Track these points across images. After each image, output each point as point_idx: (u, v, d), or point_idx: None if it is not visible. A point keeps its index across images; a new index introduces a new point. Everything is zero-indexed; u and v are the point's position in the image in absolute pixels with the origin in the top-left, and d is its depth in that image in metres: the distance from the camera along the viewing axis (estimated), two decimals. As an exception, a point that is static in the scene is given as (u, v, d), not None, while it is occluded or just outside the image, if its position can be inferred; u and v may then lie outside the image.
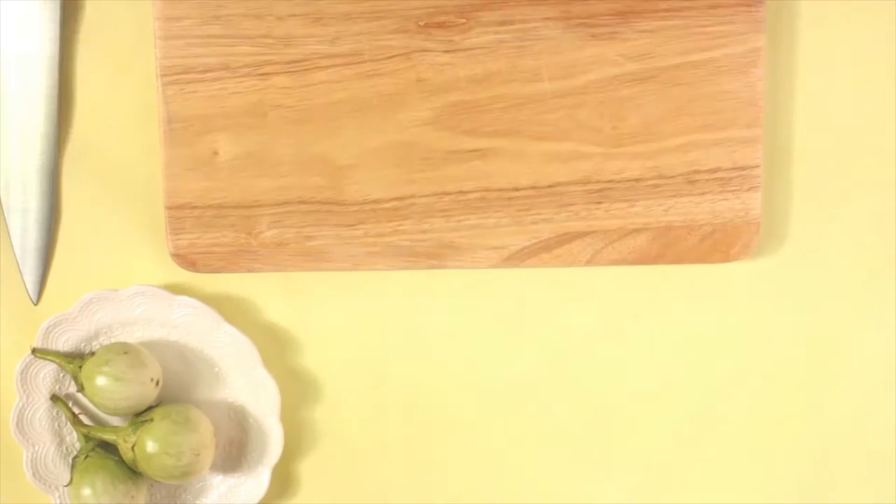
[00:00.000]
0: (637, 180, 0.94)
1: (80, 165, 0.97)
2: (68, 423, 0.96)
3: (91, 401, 0.95)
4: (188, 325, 0.96)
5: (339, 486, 1.00)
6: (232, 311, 0.97)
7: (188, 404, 0.96)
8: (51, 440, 0.97)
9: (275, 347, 0.98)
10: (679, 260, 0.95)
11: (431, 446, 1.00)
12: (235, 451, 0.98)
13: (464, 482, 1.00)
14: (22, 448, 0.96)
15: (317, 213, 0.95)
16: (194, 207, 0.95)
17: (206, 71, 0.93)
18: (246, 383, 0.97)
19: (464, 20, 0.93)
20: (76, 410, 0.97)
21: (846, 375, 0.99)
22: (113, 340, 0.96)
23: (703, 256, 0.95)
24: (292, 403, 0.99)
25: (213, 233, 0.95)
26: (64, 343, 0.96)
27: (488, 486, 1.00)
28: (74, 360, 0.95)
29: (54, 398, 0.96)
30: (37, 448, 0.97)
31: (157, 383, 0.94)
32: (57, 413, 0.97)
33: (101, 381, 0.93)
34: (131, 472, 0.95)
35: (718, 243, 0.94)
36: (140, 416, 0.94)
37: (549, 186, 0.94)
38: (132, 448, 0.93)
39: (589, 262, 0.95)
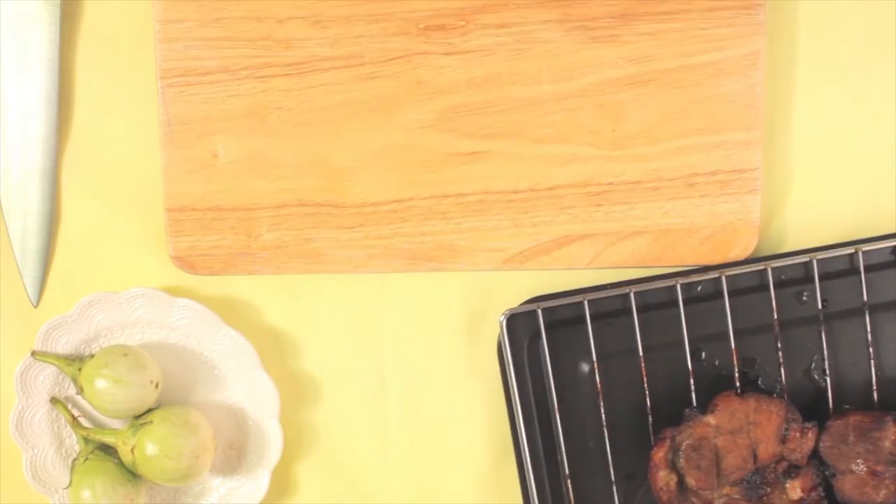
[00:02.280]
0: (636, 183, 0.94)
1: (80, 168, 0.97)
2: (68, 426, 0.96)
3: (91, 403, 0.95)
4: (188, 327, 0.96)
5: (339, 488, 1.00)
6: (232, 313, 0.97)
7: (188, 407, 0.96)
8: (50, 442, 0.97)
9: (274, 350, 0.98)
10: (679, 262, 0.95)
11: (430, 448, 1.00)
12: (235, 453, 0.98)
13: (463, 483, 1.00)
14: (21, 450, 0.96)
15: (316, 215, 0.95)
16: (194, 210, 0.95)
17: (206, 73, 0.94)
18: (245, 386, 0.97)
19: (463, 23, 0.93)
20: (76, 413, 0.96)
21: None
22: (112, 343, 0.96)
23: (703, 258, 0.95)
24: (292, 406, 0.99)
25: (212, 235, 0.95)
26: (64, 345, 0.96)
27: (488, 487, 1.00)
28: (74, 362, 0.95)
29: (54, 400, 0.96)
30: (36, 450, 0.97)
31: (157, 386, 0.94)
32: (56, 415, 0.97)
33: (100, 383, 0.93)
34: (131, 474, 0.95)
35: (718, 245, 0.95)
36: (139, 418, 0.94)
37: (549, 189, 0.95)
38: (132, 450, 0.93)
39: (589, 265, 0.95)
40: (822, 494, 0.93)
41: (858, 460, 0.91)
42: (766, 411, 0.91)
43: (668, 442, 0.92)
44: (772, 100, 0.95)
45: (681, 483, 0.93)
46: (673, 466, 0.93)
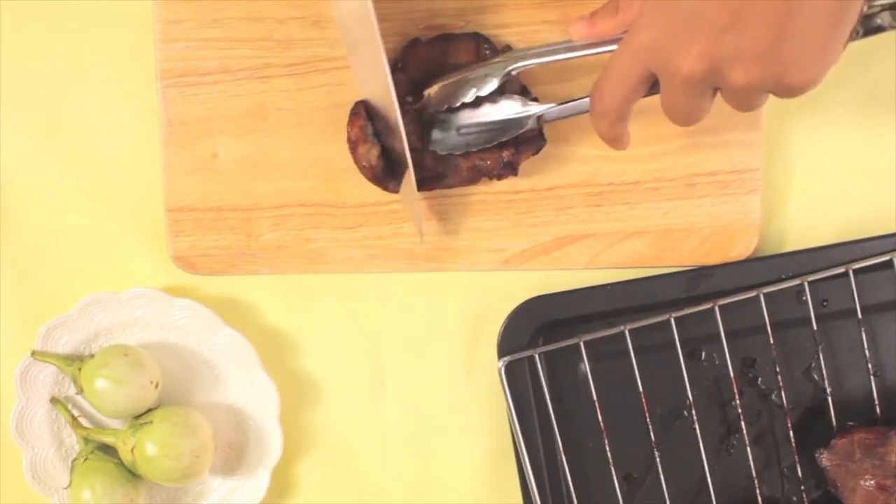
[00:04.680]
0: (636, 183, 0.94)
1: (80, 168, 0.97)
2: (68, 426, 0.96)
3: (90, 403, 0.95)
4: (188, 327, 0.96)
5: (339, 488, 1.00)
6: (232, 313, 0.97)
7: (188, 406, 0.96)
8: (50, 442, 0.97)
9: (274, 350, 0.98)
10: (678, 262, 0.95)
11: (430, 448, 1.00)
12: (235, 453, 0.98)
13: (463, 483, 1.00)
14: (21, 450, 0.96)
15: (316, 215, 0.95)
16: (194, 210, 0.95)
17: (207, 74, 0.94)
18: (245, 385, 0.97)
19: (464, 23, 0.93)
20: (76, 413, 0.96)
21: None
22: (112, 343, 0.96)
23: (703, 259, 0.95)
24: (292, 406, 0.99)
25: (213, 235, 0.95)
26: (63, 345, 0.96)
27: (488, 487, 1.00)
28: (74, 362, 0.95)
29: (54, 400, 0.96)
30: (36, 450, 0.96)
31: (157, 385, 0.94)
32: (56, 415, 0.97)
33: (100, 383, 0.93)
34: (131, 474, 0.95)
35: (718, 246, 0.95)
36: (139, 418, 0.94)
37: (549, 189, 0.95)
38: (132, 450, 0.93)
39: (588, 265, 0.95)
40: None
41: (867, 476, 0.92)
42: (454, 50, 0.91)
43: (362, 116, 0.89)
44: (772, 100, 0.95)
45: (387, 155, 0.90)
46: (376, 138, 0.89)
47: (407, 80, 0.91)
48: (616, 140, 0.81)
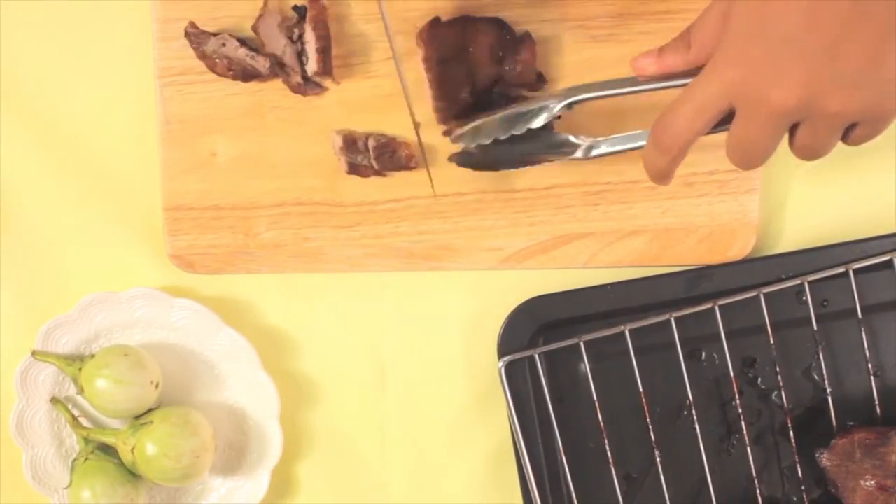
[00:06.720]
0: (634, 182, 0.94)
1: (79, 167, 0.97)
2: (68, 426, 0.97)
3: (91, 403, 0.95)
4: (188, 327, 0.96)
5: (339, 488, 1.00)
6: (232, 313, 0.97)
7: (188, 407, 0.96)
8: (50, 442, 0.97)
9: (274, 350, 0.98)
10: (676, 261, 0.95)
11: (430, 447, 1.00)
12: (235, 453, 0.98)
13: (463, 483, 1.00)
14: (21, 450, 0.97)
15: (314, 214, 0.95)
16: (192, 208, 0.95)
17: (205, 72, 0.93)
18: (245, 386, 0.97)
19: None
20: (76, 413, 0.97)
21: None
22: (113, 343, 0.97)
23: (701, 258, 0.94)
24: (292, 406, 0.99)
25: (211, 234, 0.95)
26: (64, 345, 0.96)
27: (488, 487, 1.00)
28: (74, 362, 0.95)
29: (54, 400, 0.96)
30: (36, 450, 0.97)
31: (157, 386, 0.94)
32: (56, 415, 0.97)
33: (100, 383, 0.93)
34: (131, 474, 0.95)
35: (716, 245, 0.94)
36: (140, 418, 0.95)
37: (547, 188, 0.94)
38: (132, 451, 0.94)
39: (587, 264, 0.95)
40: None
41: (867, 476, 0.92)
42: (474, 34, 0.90)
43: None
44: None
45: None
46: None
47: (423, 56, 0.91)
48: (669, 176, 0.78)
